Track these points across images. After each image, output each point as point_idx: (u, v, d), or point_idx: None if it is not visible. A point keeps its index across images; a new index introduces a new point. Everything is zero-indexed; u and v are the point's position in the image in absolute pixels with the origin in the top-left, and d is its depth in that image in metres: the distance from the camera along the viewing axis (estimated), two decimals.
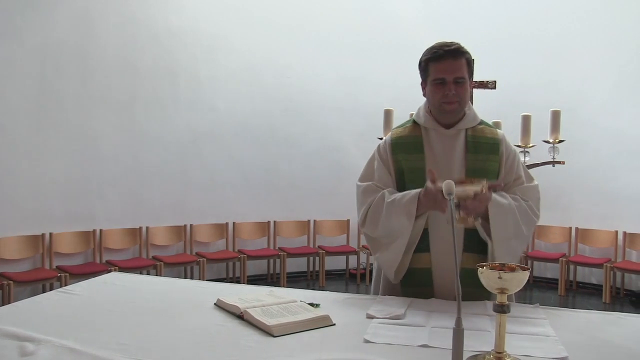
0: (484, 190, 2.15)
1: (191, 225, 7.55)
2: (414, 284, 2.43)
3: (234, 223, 7.85)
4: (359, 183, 2.56)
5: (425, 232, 2.39)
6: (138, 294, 2.36)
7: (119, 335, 1.81)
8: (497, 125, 4.67)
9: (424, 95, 2.52)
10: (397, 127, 2.68)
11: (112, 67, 7.02)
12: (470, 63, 2.44)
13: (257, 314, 1.93)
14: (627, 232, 7.51)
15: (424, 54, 2.46)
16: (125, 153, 7.13)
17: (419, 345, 1.74)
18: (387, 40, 8.18)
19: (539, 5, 7.93)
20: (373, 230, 2.45)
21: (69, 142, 6.73)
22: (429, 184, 2.22)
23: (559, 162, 4.89)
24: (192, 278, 7.08)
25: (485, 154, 2.48)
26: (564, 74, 7.80)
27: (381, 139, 5.15)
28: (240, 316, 1.98)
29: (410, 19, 8.27)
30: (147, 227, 7.23)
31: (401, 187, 2.48)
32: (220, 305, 2.13)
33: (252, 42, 7.88)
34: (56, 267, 6.43)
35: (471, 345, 1.67)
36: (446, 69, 2.37)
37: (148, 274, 6.65)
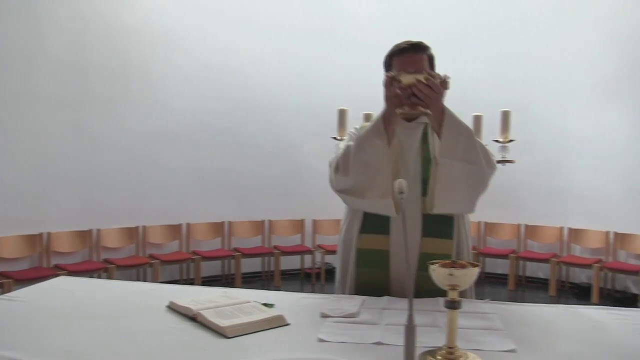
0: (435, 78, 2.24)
1: (144, 226, 7.43)
2: (371, 265, 2.47)
3: (188, 224, 7.76)
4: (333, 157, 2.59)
5: (386, 216, 2.41)
6: (87, 299, 2.30)
7: (66, 342, 1.76)
8: (477, 120, 4.80)
9: None
10: (366, 122, 2.81)
11: (60, 66, 6.84)
12: (431, 59, 2.53)
13: (210, 316, 1.91)
14: (572, 228, 7.78)
15: (388, 51, 2.55)
16: (75, 153, 6.95)
17: (372, 343, 1.75)
18: (343, 40, 8.22)
19: (492, 7, 8.11)
20: (345, 174, 2.43)
21: (14, 143, 6.51)
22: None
23: (509, 161, 5.00)
24: (145, 281, 6.97)
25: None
26: (515, 75, 7.99)
27: (335, 138, 5.22)
28: (194, 318, 1.96)
29: (365, 19, 8.33)
30: (98, 230, 7.07)
31: None
32: (172, 308, 2.11)
33: (207, 41, 7.81)
34: None
35: (424, 341, 1.69)
36: (408, 62, 2.44)
37: (99, 277, 6.51)
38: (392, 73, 2.31)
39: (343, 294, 2.55)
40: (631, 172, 7.33)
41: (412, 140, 2.51)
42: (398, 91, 2.24)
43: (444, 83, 2.28)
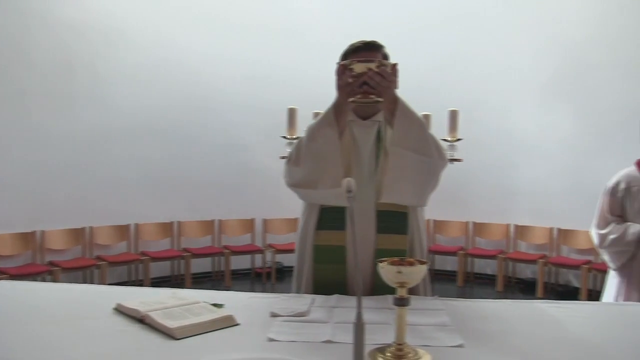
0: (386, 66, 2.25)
1: (91, 227, 7.26)
2: (327, 261, 2.48)
3: (136, 224, 7.62)
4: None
5: (343, 210, 2.41)
6: (30, 303, 2.21)
7: (9, 349, 1.70)
8: (426, 119, 4.83)
9: None
10: None
11: (3, 60, 6.63)
12: (386, 59, 2.51)
13: (158, 317, 1.87)
14: (518, 224, 7.99)
15: (343, 50, 2.56)
16: (17, 151, 6.75)
17: (322, 341, 1.75)
18: (294, 38, 8.23)
19: (438, 10, 8.24)
20: (297, 164, 2.45)
21: None
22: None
23: (457, 160, 5.09)
24: (92, 283, 6.80)
25: None
26: (462, 75, 8.16)
27: (285, 137, 5.21)
28: (141, 320, 1.92)
29: (317, 18, 8.34)
30: (42, 231, 6.87)
31: None
32: (120, 310, 2.06)
33: (155, 37, 7.70)
34: None
35: (373, 339, 1.70)
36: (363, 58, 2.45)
37: (43, 280, 6.33)
38: (344, 62, 2.32)
39: (299, 290, 2.55)
40: (573, 170, 7.57)
41: (366, 137, 2.53)
42: (350, 80, 2.25)
43: (394, 70, 2.31)
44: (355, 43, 2.53)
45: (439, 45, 8.19)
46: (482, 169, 8.02)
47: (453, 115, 5.19)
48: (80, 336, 1.82)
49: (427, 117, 5.03)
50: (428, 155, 2.39)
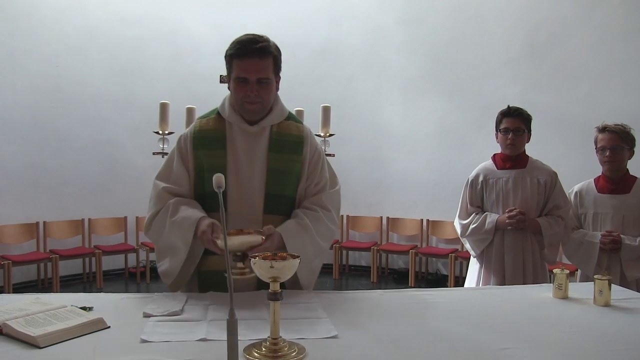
0: (262, 242, 2.11)
1: None
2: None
3: None
4: (156, 181, 2.48)
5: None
6: None
7: None
8: (299, 114, 4.85)
9: (229, 88, 2.42)
10: (201, 117, 2.55)
11: None
12: (277, 61, 2.36)
13: (19, 326, 1.75)
14: (390, 217, 8.30)
15: (229, 47, 2.33)
16: None
17: (197, 340, 1.74)
18: (163, 33, 8.02)
19: (309, 9, 8.41)
20: (156, 241, 2.44)
21: None
22: (204, 225, 2.19)
23: (329, 155, 5.19)
24: None
25: (288, 153, 2.44)
26: (333, 73, 8.36)
27: (157, 133, 5.08)
28: None
29: (186, 12, 8.17)
30: None
31: (200, 184, 2.43)
32: None
33: (13, 27, 7.18)
34: None
35: (248, 335, 1.72)
36: (249, 69, 2.27)
37: None
38: (217, 240, 2.12)
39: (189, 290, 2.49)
40: (438, 164, 8.01)
41: (255, 147, 2.42)
42: (219, 252, 2.15)
43: (272, 234, 2.24)
44: (242, 47, 2.28)
45: (311, 41, 8.35)
46: (354, 164, 8.27)
47: (325, 111, 5.30)
48: None
49: (300, 112, 5.12)
50: (321, 251, 2.48)
